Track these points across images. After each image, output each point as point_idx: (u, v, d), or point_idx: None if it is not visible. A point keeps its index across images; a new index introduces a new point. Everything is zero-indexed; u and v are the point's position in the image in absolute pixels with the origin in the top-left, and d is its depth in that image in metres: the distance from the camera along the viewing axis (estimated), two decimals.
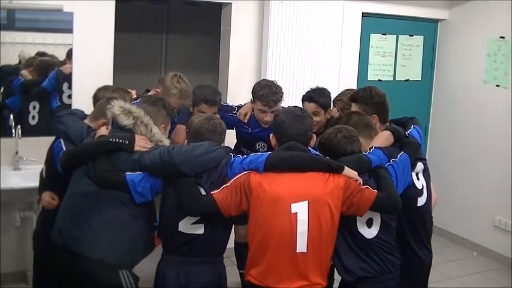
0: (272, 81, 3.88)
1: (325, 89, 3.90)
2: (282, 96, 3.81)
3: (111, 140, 2.82)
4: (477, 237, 5.57)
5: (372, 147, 2.95)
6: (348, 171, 2.72)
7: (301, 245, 2.62)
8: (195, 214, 2.75)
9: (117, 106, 2.88)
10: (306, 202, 2.62)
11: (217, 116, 3.59)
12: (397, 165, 2.91)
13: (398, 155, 2.96)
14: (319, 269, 2.68)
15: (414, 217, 3.11)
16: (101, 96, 3.32)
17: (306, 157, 2.71)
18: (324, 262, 2.70)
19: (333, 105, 3.95)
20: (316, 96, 3.78)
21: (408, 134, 3.20)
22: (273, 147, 2.92)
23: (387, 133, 3.10)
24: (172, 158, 2.71)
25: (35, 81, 4.32)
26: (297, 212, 2.62)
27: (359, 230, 2.80)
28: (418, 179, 3.14)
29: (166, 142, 2.91)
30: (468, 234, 5.65)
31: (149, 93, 3.89)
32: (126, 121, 2.84)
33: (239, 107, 4.04)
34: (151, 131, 2.86)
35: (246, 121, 3.94)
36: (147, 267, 3.03)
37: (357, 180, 2.73)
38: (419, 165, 3.16)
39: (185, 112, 3.77)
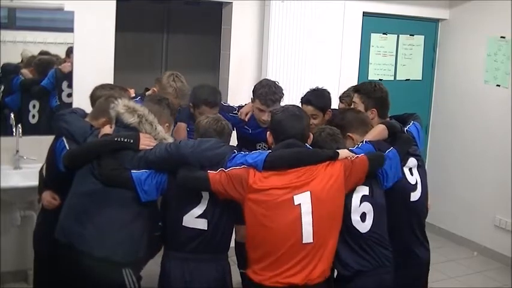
0: (274, 81, 3.87)
1: (325, 90, 3.82)
2: (281, 97, 3.80)
3: (116, 139, 2.82)
4: (477, 237, 5.56)
5: (362, 141, 2.99)
6: (341, 154, 2.77)
7: (307, 236, 2.63)
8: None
9: (121, 104, 2.89)
10: (308, 193, 2.64)
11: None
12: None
13: (387, 150, 2.98)
14: (326, 258, 2.69)
15: (407, 212, 3.13)
16: (98, 95, 3.32)
17: (306, 152, 2.73)
18: (330, 251, 2.71)
19: (340, 101, 3.93)
20: (314, 99, 3.68)
21: (406, 130, 3.20)
22: (269, 145, 2.92)
23: (381, 127, 3.11)
24: (179, 150, 2.75)
25: (34, 80, 4.32)
26: (300, 203, 2.63)
27: (354, 224, 2.82)
28: (411, 174, 3.15)
29: (170, 140, 2.92)
30: (468, 234, 5.65)
31: (147, 93, 3.90)
32: (131, 119, 2.86)
33: (240, 107, 4.04)
34: (156, 129, 2.88)
35: (246, 120, 3.93)
36: (149, 266, 3.05)
37: (348, 157, 2.79)
38: (412, 161, 3.16)
39: (185, 110, 3.78)
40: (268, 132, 2.89)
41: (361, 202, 2.85)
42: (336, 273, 2.90)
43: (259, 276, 2.68)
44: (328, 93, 3.83)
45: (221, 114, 3.75)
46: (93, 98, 3.35)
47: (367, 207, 2.85)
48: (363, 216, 2.85)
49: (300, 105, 3.74)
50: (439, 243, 5.37)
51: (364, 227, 2.84)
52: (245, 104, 4.02)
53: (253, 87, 3.91)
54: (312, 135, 2.92)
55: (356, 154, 2.85)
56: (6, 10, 4.07)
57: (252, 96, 3.88)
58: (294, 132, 2.77)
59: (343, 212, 2.77)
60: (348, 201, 2.81)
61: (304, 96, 3.77)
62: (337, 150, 2.77)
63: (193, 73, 4.59)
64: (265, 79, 4.09)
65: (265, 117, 3.76)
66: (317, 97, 3.72)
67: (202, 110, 3.66)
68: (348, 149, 2.88)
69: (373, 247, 2.85)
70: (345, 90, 4.03)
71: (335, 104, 4.01)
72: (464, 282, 4.90)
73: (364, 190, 2.87)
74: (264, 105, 3.75)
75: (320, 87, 3.85)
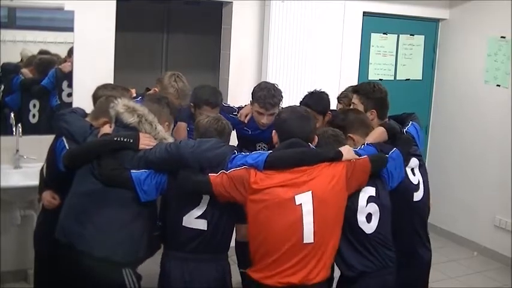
0: (273, 84, 3.85)
1: (323, 92, 3.80)
2: (280, 100, 3.77)
3: (115, 139, 2.82)
4: (477, 237, 5.56)
5: (364, 143, 3.00)
6: (346, 155, 2.75)
7: (308, 235, 2.63)
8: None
9: (121, 104, 2.89)
10: (310, 192, 2.63)
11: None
12: (389, 161, 2.94)
13: (390, 152, 2.99)
14: (326, 259, 2.69)
15: (411, 212, 3.14)
16: (100, 95, 3.32)
17: (307, 152, 2.72)
18: (330, 252, 2.71)
19: (338, 102, 3.92)
20: (313, 103, 3.63)
21: (405, 131, 3.21)
22: (274, 144, 2.91)
23: (381, 129, 3.12)
24: (179, 150, 2.75)
25: (34, 80, 4.32)
26: (301, 204, 2.62)
27: (359, 225, 2.82)
28: (414, 174, 3.17)
29: (170, 140, 2.92)
30: (468, 234, 5.65)
31: (148, 92, 3.91)
32: (130, 119, 2.86)
33: (240, 108, 4.03)
34: (155, 128, 2.88)
35: (246, 122, 3.93)
36: (149, 265, 3.04)
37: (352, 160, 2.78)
38: (414, 161, 3.17)
39: (186, 110, 3.77)
40: (273, 131, 2.88)
41: (367, 203, 2.85)
42: (339, 275, 2.91)
43: (259, 275, 2.68)
44: (327, 95, 3.81)
45: (221, 114, 3.76)
46: (96, 97, 3.35)
47: (374, 208, 2.85)
48: (369, 217, 2.84)
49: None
50: (439, 244, 5.37)
51: (369, 227, 2.84)
52: (245, 105, 4.02)
53: (252, 88, 3.90)
54: (316, 138, 2.91)
55: (360, 155, 2.85)
56: (6, 10, 4.07)
57: (251, 99, 3.87)
58: (298, 132, 2.76)
59: (349, 213, 2.77)
60: (354, 201, 2.81)
61: (303, 100, 3.74)
62: (342, 148, 2.77)
63: (193, 73, 4.58)
64: (264, 82, 4.07)
65: (264, 121, 3.75)
66: (316, 101, 3.70)
67: (203, 110, 3.66)
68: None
69: (377, 248, 2.85)
70: (343, 90, 4.01)
71: (334, 104, 4.01)
72: (465, 282, 4.90)
73: (370, 191, 2.87)
74: (263, 108, 3.73)
75: (318, 89, 3.83)
